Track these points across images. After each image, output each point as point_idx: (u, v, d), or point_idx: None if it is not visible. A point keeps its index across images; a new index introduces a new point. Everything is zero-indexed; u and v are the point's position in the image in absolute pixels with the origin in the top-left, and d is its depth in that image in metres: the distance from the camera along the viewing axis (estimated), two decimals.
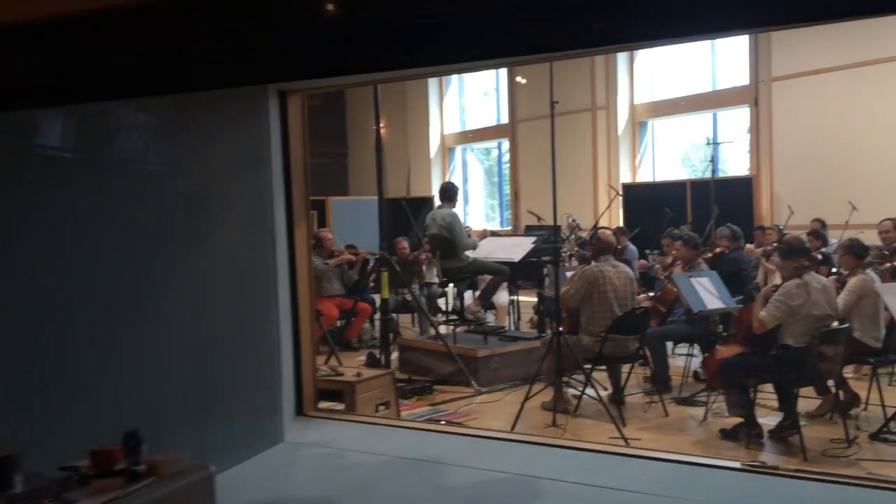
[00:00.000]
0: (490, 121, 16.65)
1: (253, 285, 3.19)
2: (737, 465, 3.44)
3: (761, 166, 11.99)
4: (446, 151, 17.46)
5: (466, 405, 6.18)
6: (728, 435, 5.06)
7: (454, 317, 8.53)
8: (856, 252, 5.60)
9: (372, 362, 6.84)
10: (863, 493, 3.05)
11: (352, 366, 5.57)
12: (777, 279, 7.18)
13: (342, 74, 2.86)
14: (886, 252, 6.85)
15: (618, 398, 5.99)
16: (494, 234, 11.22)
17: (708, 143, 10.93)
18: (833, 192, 10.39)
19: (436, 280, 9.76)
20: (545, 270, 8.23)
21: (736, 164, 13.18)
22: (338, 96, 18.04)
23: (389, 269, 7.35)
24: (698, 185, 11.41)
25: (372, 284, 9.31)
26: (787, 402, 5.04)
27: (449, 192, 7.91)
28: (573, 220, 10.20)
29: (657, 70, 13.85)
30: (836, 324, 5.01)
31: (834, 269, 7.06)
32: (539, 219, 8.74)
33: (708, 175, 10.08)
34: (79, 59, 1.82)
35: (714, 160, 10.24)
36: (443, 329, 8.27)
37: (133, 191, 2.60)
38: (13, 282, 2.03)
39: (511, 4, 1.74)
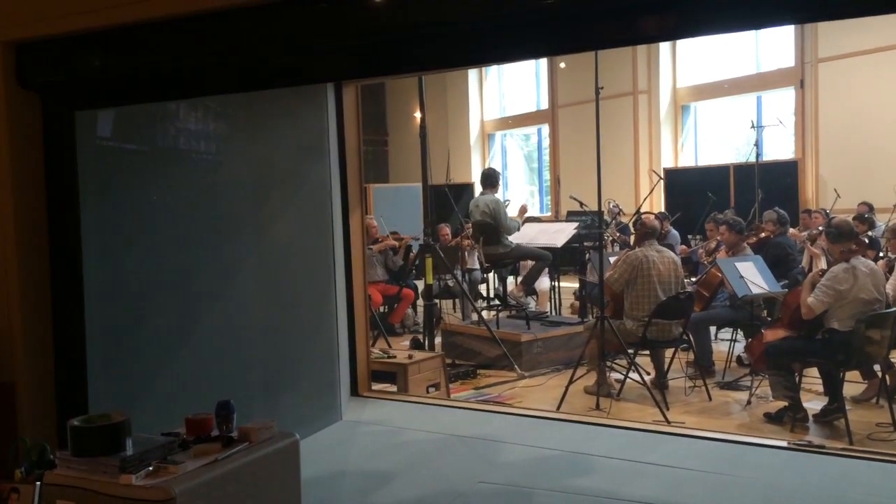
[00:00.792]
0: (530, 107, 16.63)
1: (313, 270, 3.34)
2: (783, 443, 3.49)
3: (807, 149, 11.81)
4: (486, 137, 17.50)
5: (510, 389, 6.28)
6: (773, 419, 5.08)
7: (496, 302, 8.62)
8: None
9: (416, 347, 6.98)
10: None
11: (398, 350, 5.72)
12: (822, 263, 7.14)
13: (397, 74, 2.94)
14: None
15: (661, 382, 6.04)
16: (535, 219, 11.26)
17: (752, 127, 10.80)
18: (880, 175, 10.21)
19: (477, 266, 9.86)
20: (587, 256, 8.27)
21: (781, 147, 12.99)
22: (379, 85, 18.17)
23: (433, 255, 7.47)
24: (742, 169, 11.29)
25: (414, 271, 9.46)
26: (832, 386, 5.05)
27: (491, 178, 7.98)
28: (615, 206, 10.19)
29: (700, 53, 13.68)
30: (884, 308, 4.99)
31: (882, 254, 6.98)
32: (581, 204, 8.76)
33: (752, 159, 9.98)
34: (167, 61, 1.96)
35: (758, 143, 10.13)
36: (485, 314, 8.38)
37: (209, 181, 2.76)
38: (108, 267, 2.19)
39: (558, 5, 1.82)
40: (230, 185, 2.88)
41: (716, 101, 13.72)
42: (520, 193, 17.59)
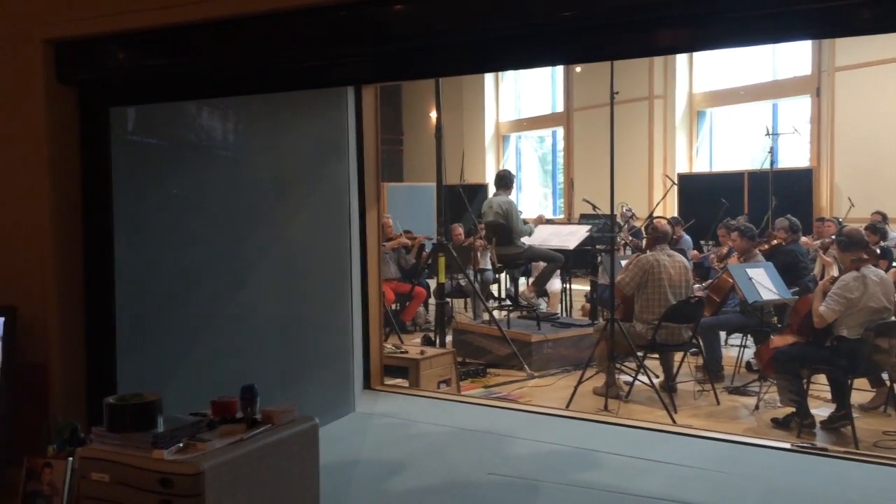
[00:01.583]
0: (545, 109, 16.68)
1: (331, 266, 3.43)
2: (787, 445, 3.55)
3: (822, 157, 11.80)
4: (501, 139, 17.56)
5: (519, 388, 6.34)
6: (780, 424, 5.13)
7: (508, 302, 8.69)
8: None
9: (427, 344, 7.06)
10: None
11: (410, 346, 5.80)
12: (834, 272, 7.16)
13: (412, 79, 3.00)
14: None
15: (670, 385, 6.09)
16: (548, 221, 11.33)
17: (767, 134, 10.81)
18: (895, 184, 10.20)
19: (489, 266, 9.94)
20: (599, 258, 8.33)
21: (795, 154, 12.98)
22: (395, 85, 18.26)
23: (446, 255, 7.55)
24: (756, 176, 11.30)
25: (426, 270, 9.54)
26: (840, 393, 5.09)
27: (505, 180, 8.05)
28: (628, 210, 10.24)
29: (717, 59, 13.69)
30: (894, 317, 5.02)
31: (895, 263, 7.00)
32: (594, 207, 8.81)
33: (767, 166, 9.99)
34: (196, 62, 2.05)
35: (773, 151, 10.13)
36: (496, 314, 8.45)
37: (232, 177, 2.85)
38: (136, 257, 2.29)
39: (574, 17, 1.88)
40: (252, 182, 2.97)
41: (731, 108, 13.73)
42: (533, 195, 17.65)
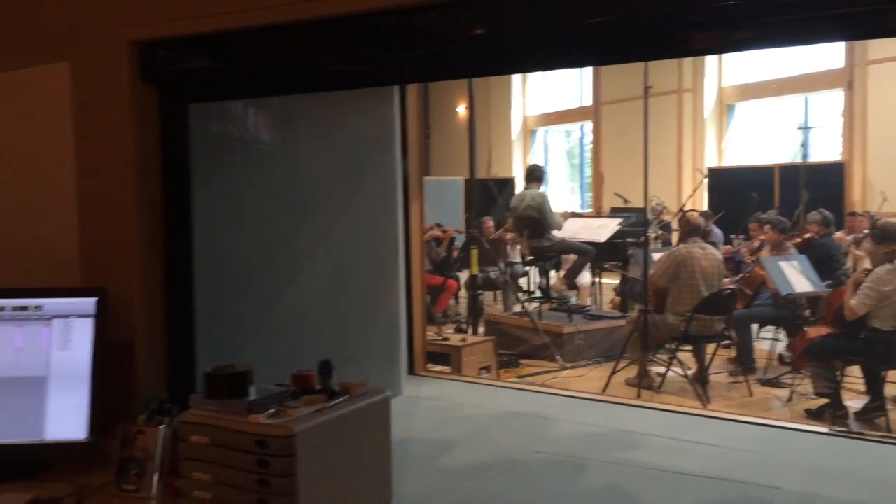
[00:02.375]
0: (573, 103, 16.70)
1: (379, 255, 3.58)
2: (823, 430, 3.65)
3: (854, 151, 11.73)
4: (528, 133, 17.62)
5: (552, 378, 6.45)
6: (813, 415, 5.19)
7: (539, 294, 8.80)
8: None
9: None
10: None
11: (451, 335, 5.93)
12: (867, 266, 7.17)
13: (448, 79, 3.09)
14: None
15: (702, 377, 6.17)
16: (576, 215, 11.40)
17: (799, 128, 10.78)
18: None
19: (518, 259, 10.05)
20: (630, 252, 8.40)
21: (827, 148, 12.90)
22: None
23: (479, 247, 7.68)
24: (787, 170, 11.27)
25: (457, 262, 9.68)
26: (873, 385, 5.15)
27: (536, 173, 8.16)
28: (659, 203, 10.28)
29: (747, 53, 13.62)
30: None
31: None
32: (625, 201, 8.88)
33: (797, 160, 9.98)
34: (264, 63, 2.22)
35: (805, 145, 10.11)
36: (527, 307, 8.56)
37: (291, 170, 3.01)
38: (208, 243, 2.46)
39: (607, 22, 1.96)
40: (308, 174, 3.13)
41: (762, 101, 13.66)
42: (561, 189, 17.69)
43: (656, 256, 6.78)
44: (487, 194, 10.80)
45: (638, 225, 8.55)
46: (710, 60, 13.84)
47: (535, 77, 17.40)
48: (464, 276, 9.33)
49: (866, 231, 7.37)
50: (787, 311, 6.43)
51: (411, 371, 4.23)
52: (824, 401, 5.17)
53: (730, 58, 13.83)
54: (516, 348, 7.36)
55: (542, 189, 8.12)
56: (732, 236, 9.84)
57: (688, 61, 13.78)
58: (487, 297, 10.18)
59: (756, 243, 7.83)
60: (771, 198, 11.37)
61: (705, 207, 11.63)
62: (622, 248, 8.47)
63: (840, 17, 1.77)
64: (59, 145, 2.42)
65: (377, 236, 3.56)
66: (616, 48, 2.02)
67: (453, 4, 1.96)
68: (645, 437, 3.20)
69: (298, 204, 3.07)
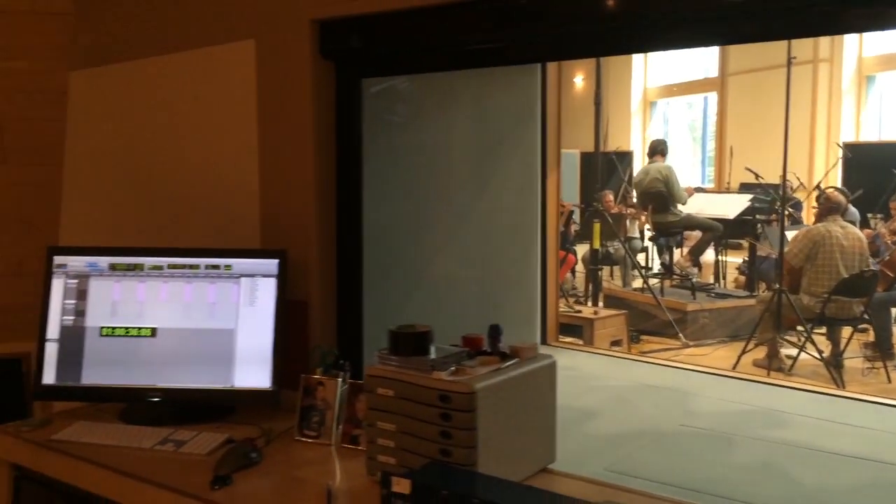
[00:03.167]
0: (696, 74, 16.11)
1: (519, 227, 3.67)
2: None
3: None
4: (648, 105, 17.16)
5: (674, 356, 6.39)
6: None
7: (658, 270, 8.67)
8: None
9: None
10: None
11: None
12: None
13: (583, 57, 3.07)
14: None
15: (837, 360, 5.95)
16: (700, 190, 11.08)
17: None
18: None
19: (637, 234, 9.90)
20: (760, 229, 8.13)
21: None
22: None
23: (602, 221, 7.64)
24: None
25: (575, 237, 9.64)
26: None
27: (660, 147, 8.03)
28: (790, 179, 9.84)
29: None
30: None
31: None
32: (757, 176, 8.56)
33: None
34: (428, 40, 2.33)
35: None
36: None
37: (444, 142, 3.13)
38: (376, 211, 2.62)
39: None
40: (459, 146, 3.24)
41: None
42: (682, 163, 17.16)
43: (790, 235, 6.54)
44: (606, 168, 10.64)
45: (769, 201, 8.24)
46: None
47: None
48: (580, 250, 9.30)
49: None
50: None
51: (543, 341, 4.32)
52: None
53: None
54: (637, 324, 7.31)
55: (666, 163, 7.97)
56: (869, 215, 9.30)
57: None
58: (604, 272, 10.11)
59: None
60: None
61: (839, 184, 11.02)
62: (751, 225, 8.20)
63: None
64: (242, 118, 2.62)
65: (518, 208, 3.65)
66: (761, 27, 1.98)
67: None
68: (792, 417, 3.17)
69: (451, 176, 3.19)
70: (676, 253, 8.82)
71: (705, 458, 2.72)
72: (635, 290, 8.06)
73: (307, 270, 2.48)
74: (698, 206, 8.28)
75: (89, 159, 3.16)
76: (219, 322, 2.41)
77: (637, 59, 16.86)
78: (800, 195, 9.77)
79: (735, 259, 9.37)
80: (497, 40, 2.30)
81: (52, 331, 2.45)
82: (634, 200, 9.78)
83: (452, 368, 1.84)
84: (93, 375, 2.43)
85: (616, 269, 9.66)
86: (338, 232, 2.55)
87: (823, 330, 6.10)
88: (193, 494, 1.89)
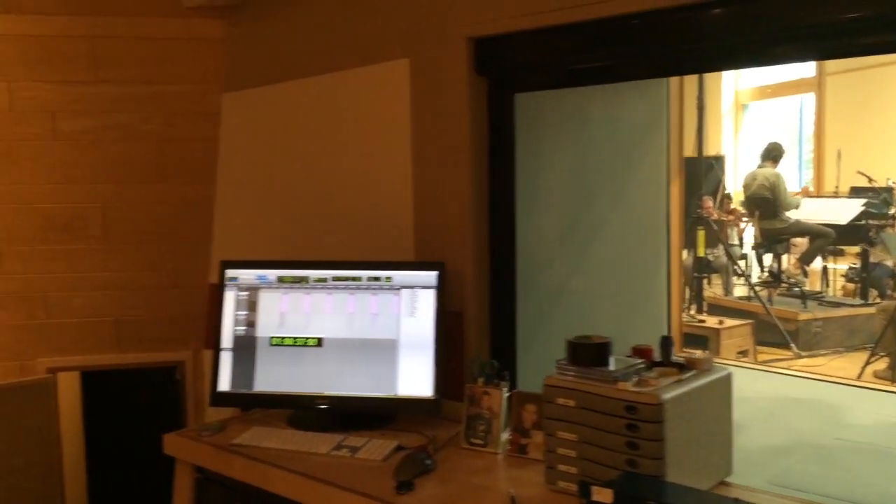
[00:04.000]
0: (791, 74, 15.57)
1: (650, 237, 3.64)
2: None
3: None
4: (740, 107, 16.70)
5: (787, 367, 6.20)
6: None
7: (768, 278, 8.43)
8: None
9: None
10: None
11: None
12: None
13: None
14: None
15: None
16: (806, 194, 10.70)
17: None
18: None
19: (736, 242, 9.63)
20: (874, 234, 7.80)
21: None
22: None
23: (706, 228, 7.49)
24: None
25: None
26: None
27: (774, 153, 7.82)
28: None
29: None
30: None
31: None
32: (870, 180, 8.22)
33: None
34: (580, 55, 2.37)
35: None
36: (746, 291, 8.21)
37: (581, 153, 3.16)
38: (526, 223, 2.67)
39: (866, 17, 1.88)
40: (595, 160, 3.25)
41: None
42: (780, 167, 16.62)
43: None
44: (702, 173, 10.40)
45: (883, 206, 7.92)
46: None
47: None
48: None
49: None
50: None
51: None
52: None
53: None
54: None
55: (777, 169, 7.75)
56: None
57: None
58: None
59: None
60: None
61: None
62: (864, 231, 7.87)
63: None
64: (396, 135, 2.71)
65: (648, 217, 3.62)
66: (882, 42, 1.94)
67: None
68: None
69: (587, 187, 3.20)
70: (784, 260, 8.56)
71: (867, 472, 2.64)
72: (739, 298, 7.87)
73: (462, 282, 2.54)
74: (808, 212, 8.01)
75: (241, 177, 3.33)
76: (381, 332, 2.49)
77: None
78: None
79: (841, 266, 9.02)
80: (646, 53, 2.32)
81: (226, 340, 2.60)
82: (732, 206, 9.56)
83: (636, 379, 1.86)
84: (263, 383, 2.56)
85: (714, 276, 9.44)
86: (490, 245, 2.61)
87: None
88: (381, 498, 1.96)
